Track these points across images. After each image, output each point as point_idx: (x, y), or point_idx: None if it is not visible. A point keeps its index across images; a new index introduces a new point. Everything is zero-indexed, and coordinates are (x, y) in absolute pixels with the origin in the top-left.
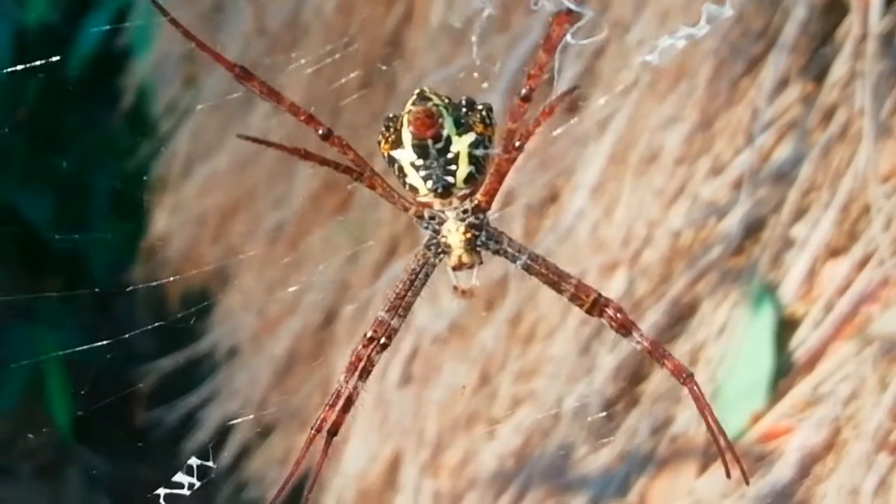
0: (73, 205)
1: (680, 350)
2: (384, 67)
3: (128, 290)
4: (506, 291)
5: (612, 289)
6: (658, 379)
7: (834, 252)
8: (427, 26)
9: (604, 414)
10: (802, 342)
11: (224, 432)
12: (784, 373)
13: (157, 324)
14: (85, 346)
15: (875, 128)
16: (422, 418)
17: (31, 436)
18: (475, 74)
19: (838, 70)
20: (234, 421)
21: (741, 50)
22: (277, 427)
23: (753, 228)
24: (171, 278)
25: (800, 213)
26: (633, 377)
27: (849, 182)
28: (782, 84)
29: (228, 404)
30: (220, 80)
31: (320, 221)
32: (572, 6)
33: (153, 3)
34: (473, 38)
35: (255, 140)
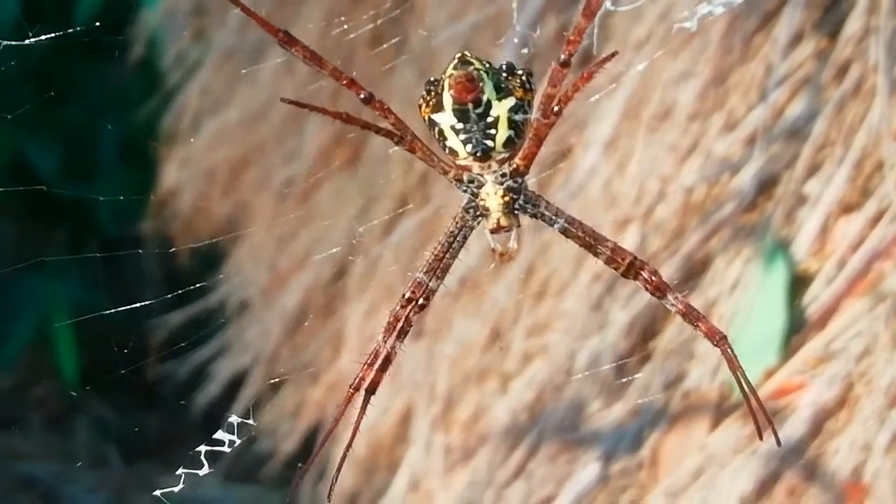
0: (82, 156)
1: (693, 305)
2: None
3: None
4: (516, 251)
5: (626, 244)
6: (670, 334)
7: (847, 208)
8: None
9: (616, 369)
10: (815, 298)
11: (235, 385)
12: (797, 329)
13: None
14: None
15: (889, 83)
16: (433, 373)
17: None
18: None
19: (852, 25)
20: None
21: (755, 5)
22: (288, 380)
23: (766, 185)
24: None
25: (813, 170)
26: (645, 332)
27: (862, 138)
28: (796, 39)
29: (239, 358)
30: (230, 33)
31: (330, 176)
32: None
33: None
34: (515, 11)
35: (297, 104)
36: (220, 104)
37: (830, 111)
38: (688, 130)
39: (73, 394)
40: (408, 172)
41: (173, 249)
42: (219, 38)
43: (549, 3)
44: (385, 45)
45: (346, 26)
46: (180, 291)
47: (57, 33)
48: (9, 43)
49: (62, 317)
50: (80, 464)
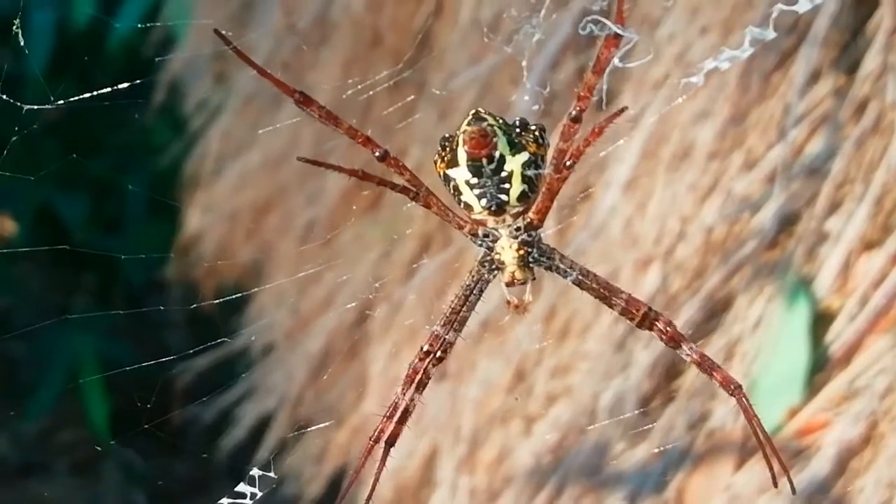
0: (107, 206)
1: (715, 345)
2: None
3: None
4: (539, 288)
5: (647, 284)
6: (694, 375)
7: (868, 245)
8: (457, 23)
9: (640, 410)
10: (838, 336)
11: (259, 429)
12: (820, 367)
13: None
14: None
15: None
16: (457, 415)
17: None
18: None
19: (870, 63)
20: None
21: (772, 44)
22: (312, 424)
23: (787, 222)
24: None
25: (833, 207)
26: (668, 373)
27: (882, 175)
28: (814, 77)
29: (264, 401)
30: (250, 78)
31: (352, 218)
32: (620, 31)
33: (216, 32)
34: (523, 63)
35: (314, 163)
36: (241, 148)
37: (850, 148)
38: (707, 169)
39: (98, 448)
40: (429, 214)
41: (194, 306)
42: (240, 82)
43: (567, 44)
44: (403, 86)
45: (364, 67)
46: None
47: (80, 96)
48: (30, 107)
49: (90, 365)
50: None
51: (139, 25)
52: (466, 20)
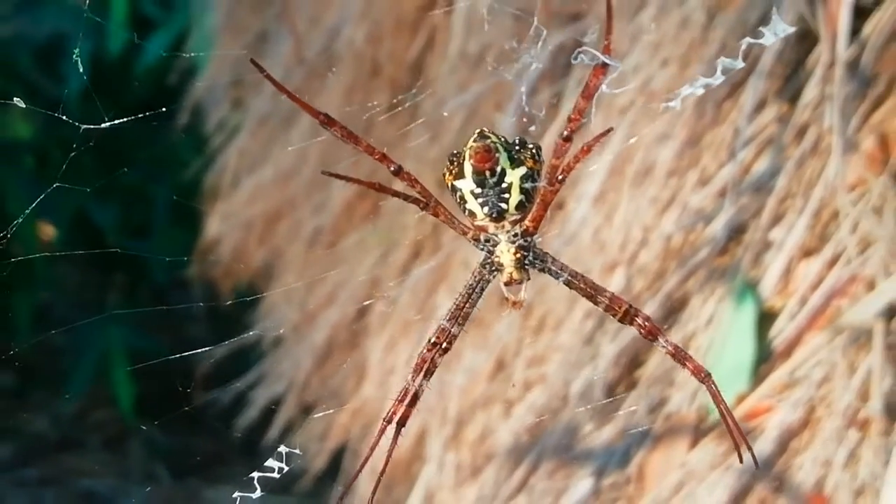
0: (137, 213)
1: (673, 339)
2: (408, 93)
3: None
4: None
5: (613, 285)
6: (653, 364)
7: (807, 252)
8: (446, 56)
9: (606, 396)
10: (780, 332)
11: (270, 411)
12: (764, 359)
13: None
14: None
15: (842, 143)
16: (445, 399)
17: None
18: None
19: (809, 93)
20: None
21: (728, 75)
22: (317, 407)
23: (736, 232)
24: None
25: (777, 219)
26: (631, 363)
27: (820, 191)
28: (760, 105)
29: (274, 387)
30: (265, 101)
31: (353, 226)
32: (608, 60)
33: (252, 62)
34: (523, 89)
35: (336, 176)
36: (256, 164)
37: (791, 168)
38: (666, 185)
39: (130, 422)
40: (422, 223)
41: (214, 292)
42: (255, 106)
43: (544, 74)
44: (399, 111)
45: (365, 93)
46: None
47: (125, 118)
48: (87, 126)
49: (120, 354)
50: (133, 480)
51: (166, 53)
52: (455, 53)
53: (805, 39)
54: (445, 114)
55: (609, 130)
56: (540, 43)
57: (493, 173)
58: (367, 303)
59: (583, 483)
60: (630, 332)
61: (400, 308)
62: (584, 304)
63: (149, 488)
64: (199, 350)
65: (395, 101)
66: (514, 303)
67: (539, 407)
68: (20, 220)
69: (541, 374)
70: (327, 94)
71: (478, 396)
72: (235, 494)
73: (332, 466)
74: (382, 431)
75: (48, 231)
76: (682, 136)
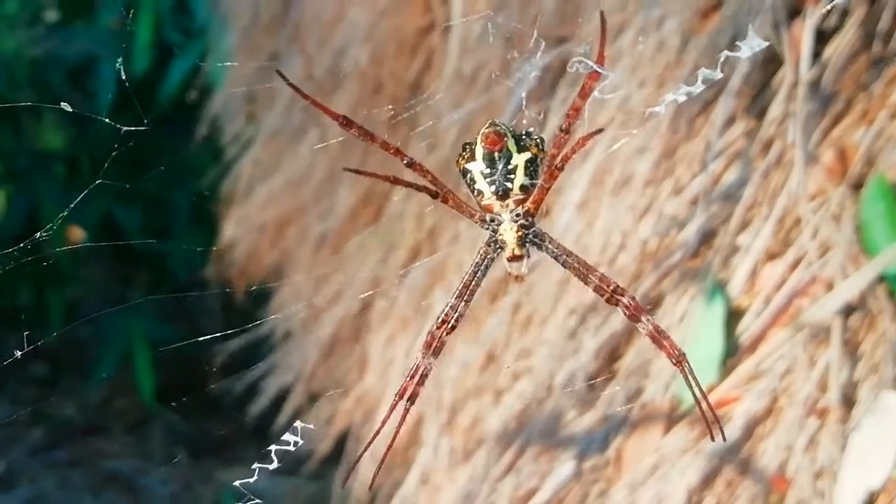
0: (159, 216)
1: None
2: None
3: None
4: (507, 286)
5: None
6: (631, 357)
7: (772, 256)
8: (442, 75)
9: (587, 385)
10: (747, 328)
11: (280, 399)
12: (732, 353)
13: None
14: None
15: (804, 157)
16: (440, 389)
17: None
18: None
19: (775, 110)
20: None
21: (697, 94)
22: (323, 395)
23: (707, 237)
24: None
25: (744, 225)
26: (610, 356)
27: (783, 200)
28: (730, 121)
29: (283, 376)
30: (276, 115)
31: (357, 230)
32: (601, 69)
33: (278, 73)
34: (523, 94)
35: (356, 171)
36: (268, 173)
37: (758, 178)
38: (643, 194)
39: (151, 408)
40: (419, 228)
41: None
42: (267, 120)
43: (533, 91)
44: (399, 124)
45: (369, 108)
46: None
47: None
48: (128, 128)
49: (142, 346)
50: (154, 461)
51: (199, 63)
52: (450, 73)
53: (771, 62)
54: (440, 128)
55: (600, 130)
56: (526, 64)
57: (501, 155)
58: (368, 298)
59: (565, 466)
60: (610, 328)
61: (399, 305)
62: (568, 302)
63: (168, 469)
64: (216, 335)
65: (394, 116)
66: (517, 277)
67: (526, 396)
68: (59, 220)
69: (528, 365)
70: (334, 108)
71: (470, 386)
72: (254, 465)
73: (337, 449)
74: (394, 406)
75: (77, 233)
76: (657, 149)
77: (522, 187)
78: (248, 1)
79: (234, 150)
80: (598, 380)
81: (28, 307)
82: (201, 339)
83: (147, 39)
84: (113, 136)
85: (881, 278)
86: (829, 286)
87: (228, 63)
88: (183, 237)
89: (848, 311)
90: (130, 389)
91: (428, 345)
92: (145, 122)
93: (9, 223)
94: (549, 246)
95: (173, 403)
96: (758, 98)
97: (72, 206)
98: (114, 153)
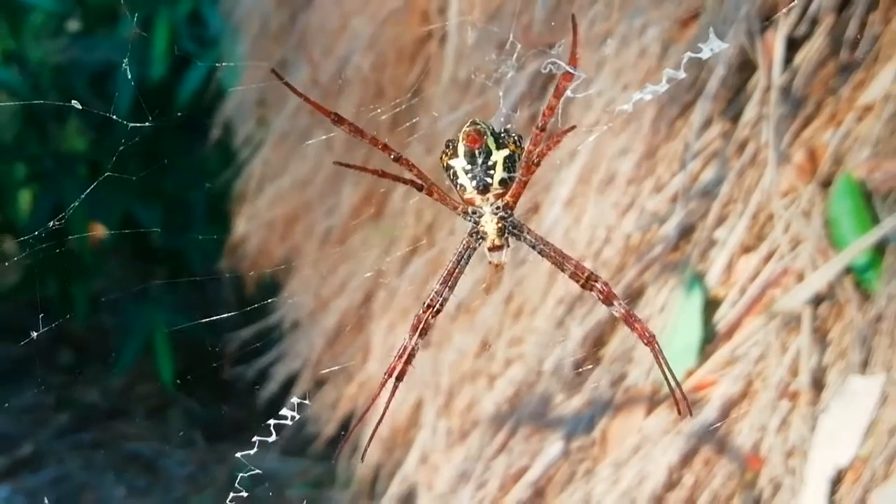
0: (176, 213)
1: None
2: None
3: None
4: (500, 278)
5: None
6: (615, 345)
7: (746, 249)
8: (440, 81)
9: (574, 371)
10: (723, 317)
11: (289, 383)
12: (709, 340)
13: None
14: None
15: (776, 156)
16: (438, 374)
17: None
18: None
19: (749, 113)
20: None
21: (676, 98)
22: (328, 381)
23: (686, 232)
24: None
25: (721, 220)
26: (595, 343)
27: (757, 197)
28: (707, 124)
29: (292, 363)
30: (285, 119)
31: (360, 226)
32: (573, 70)
33: (272, 72)
34: (500, 93)
35: (345, 165)
36: (277, 173)
37: (733, 177)
38: (626, 192)
39: (170, 393)
40: (418, 223)
41: (242, 282)
42: (276, 123)
43: (524, 95)
44: (399, 127)
45: (374, 111)
46: (249, 308)
47: (159, 121)
48: (134, 124)
49: (162, 334)
50: (173, 444)
51: (217, 64)
52: (447, 79)
53: (745, 67)
54: (438, 129)
55: (573, 127)
56: (517, 69)
57: (481, 152)
58: (371, 289)
59: (554, 446)
60: (595, 316)
61: (399, 296)
62: (556, 293)
63: (185, 450)
64: (228, 314)
65: (394, 118)
66: (497, 265)
67: (517, 381)
68: (73, 207)
69: (519, 352)
70: (339, 111)
71: (465, 372)
72: (255, 438)
73: (341, 430)
74: (383, 384)
75: (100, 230)
76: (640, 149)
77: (502, 182)
78: (258, 11)
79: (246, 151)
80: (585, 366)
81: (54, 298)
82: (215, 318)
83: (163, 48)
84: (130, 139)
85: (848, 270)
86: (800, 277)
87: (240, 74)
88: (199, 233)
89: (817, 300)
90: (151, 376)
91: (415, 327)
92: (149, 119)
93: (34, 221)
94: (527, 236)
95: (191, 392)
96: (733, 101)
97: (82, 196)
98: (121, 147)
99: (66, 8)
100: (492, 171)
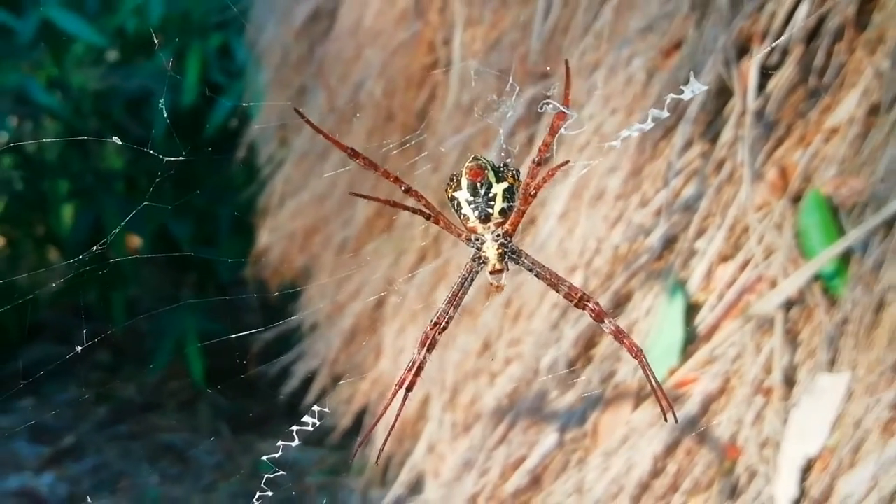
0: (206, 227)
1: (619, 324)
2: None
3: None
4: (506, 283)
5: (573, 284)
6: (605, 345)
7: (724, 258)
8: (445, 106)
9: (568, 369)
10: (703, 320)
11: (308, 381)
12: (690, 341)
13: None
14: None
15: (751, 174)
16: (443, 372)
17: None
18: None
19: (726, 135)
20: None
21: (660, 121)
22: (344, 378)
23: (669, 243)
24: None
25: (701, 232)
26: (587, 344)
27: (734, 211)
28: (688, 144)
29: (311, 362)
30: (304, 141)
31: (373, 237)
32: (566, 110)
33: (295, 110)
34: (501, 131)
35: (360, 196)
36: (297, 189)
37: (712, 193)
38: (615, 206)
39: (199, 389)
40: (426, 235)
41: (265, 288)
42: (296, 144)
43: (520, 121)
44: (408, 147)
45: (383, 133)
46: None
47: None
48: (169, 158)
49: (192, 336)
50: (202, 436)
51: (241, 104)
52: (452, 104)
53: (722, 94)
54: (444, 150)
55: (566, 162)
56: (514, 96)
57: (482, 185)
58: (382, 295)
59: (550, 437)
60: (586, 320)
61: (408, 301)
62: (552, 298)
63: (213, 441)
64: (252, 329)
65: (404, 139)
66: (497, 286)
67: (516, 378)
68: (116, 231)
69: (517, 352)
70: (353, 134)
71: (469, 370)
72: (279, 443)
73: (356, 423)
74: (394, 394)
75: (136, 241)
76: (627, 168)
77: (501, 211)
78: (279, 43)
79: (269, 169)
80: (577, 364)
81: (95, 305)
82: (240, 334)
83: (195, 78)
84: (166, 169)
85: (817, 277)
86: (773, 284)
87: (263, 98)
88: (226, 244)
89: (789, 305)
90: (182, 373)
91: (423, 343)
92: (182, 153)
93: (76, 233)
94: (525, 260)
95: (218, 388)
96: (712, 124)
97: (126, 220)
98: (158, 179)
99: (106, 40)
100: (492, 202)
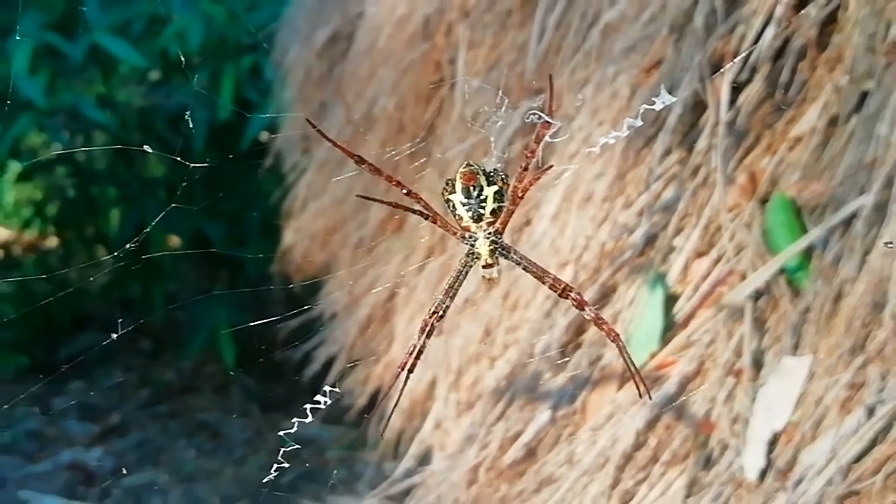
0: (236, 229)
1: (606, 314)
2: (423, 143)
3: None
4: (499, 279)
5: (564, 277)
6: (592, 332)
7: (699, 254)
8: (450, 119)
9: (560, 353)
10: (680, 309)
11: (328, 364)
12: (669, 328)
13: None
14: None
15: (724, 179)
16: (448, 356)
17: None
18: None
19: (701, 143)
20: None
21: (641, 132)
22: (360, 362)
23: (650, 240)
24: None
25: (678, 231)
26: (577, 330)
27: (708, 212)
28: (667, 152)
29: (330, 348)
30: (325, 150)
31: (385, 236)
32: (550, 120)
33: (307, 121)
34: (492, 139)
35: (366, 198)
36: (318, 193)
37: (688, 195)
38: (602, 208)
39: (231, 373)
40: (433, 234)
41: (289, 282)
42: (317, 153)
43: (516, 131)
44: (416, 156)
45: (394, 143)
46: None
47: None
48: (195, 165)
49: (224, 326)
50: (234, 415)
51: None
52: (456, 116)
53: (698, 107)
54: (448, 157)
55: (551, 166)
56: (510, 110)
57: (475, 188)
58: (394, 287)
59: (543, 414)
60: (575, 310)
61: (417, 293)
62: (545, 291)
63: (243, 419)
64: (277, 318)
65: (414, 149)
66: (489, 280)
67: (513, 361)
68: (148, 230)
69: (515, 338)
70: (368, 144)
71: (471, 354)
72: (294, 420)
73: (370, 402)
74: (397, 376)
75: (174, 241)
76: (612, 173)
77: (492, 212)
78: (302, 62)
79: (293, 176)
80: (568, 349)
81: (138, 298)
82: (267, 320)
83: (229, 96)
84: (192, 175)
85: (782, 271)
86: (743, 277)
87: (287, 112)
88: (254, 243)
89: (757, 295)
90: (215, 359)
91: (423, 329)
92: (207, 160)
93: (122, 234)
94: (514, 255)
95: (249, 372)
96: (688, 134)
97: (153, 223)
98: (184, 183)
99: (148, 61)
100: (484, 204)
